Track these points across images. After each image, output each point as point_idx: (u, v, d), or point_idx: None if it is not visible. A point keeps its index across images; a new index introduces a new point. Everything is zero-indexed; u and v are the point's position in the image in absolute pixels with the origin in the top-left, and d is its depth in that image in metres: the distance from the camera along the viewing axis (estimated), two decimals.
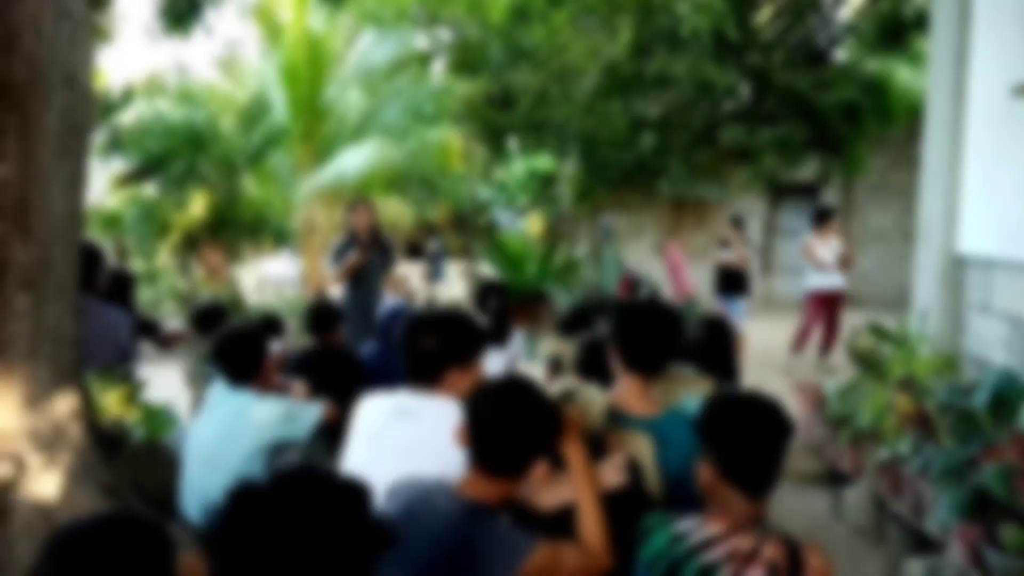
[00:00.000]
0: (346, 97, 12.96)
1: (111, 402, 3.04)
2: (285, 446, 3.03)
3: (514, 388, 1.92)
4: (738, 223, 9.09)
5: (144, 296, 10.41)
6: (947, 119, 4.75)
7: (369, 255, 5.87)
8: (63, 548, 1.47)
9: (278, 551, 1.06)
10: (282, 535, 1.07)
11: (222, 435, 3.02)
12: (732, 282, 8.89)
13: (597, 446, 2.17)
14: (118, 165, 10.72)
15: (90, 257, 3.54)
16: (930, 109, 4.97)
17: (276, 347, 3.87)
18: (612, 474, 2.07)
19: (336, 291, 7.01)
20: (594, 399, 2.26)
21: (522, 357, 4.47)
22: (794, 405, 5.23)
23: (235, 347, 3.12)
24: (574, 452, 2.00)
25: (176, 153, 9.60)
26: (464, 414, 1.90)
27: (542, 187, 13.83)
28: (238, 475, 1.21)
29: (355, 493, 1.18)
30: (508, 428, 1.85)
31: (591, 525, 1.95)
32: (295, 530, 1.07)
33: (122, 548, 1.46)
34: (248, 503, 1.11)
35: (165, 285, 10.79)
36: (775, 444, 1.89)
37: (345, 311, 5.35)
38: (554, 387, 2.27)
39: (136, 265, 10.71)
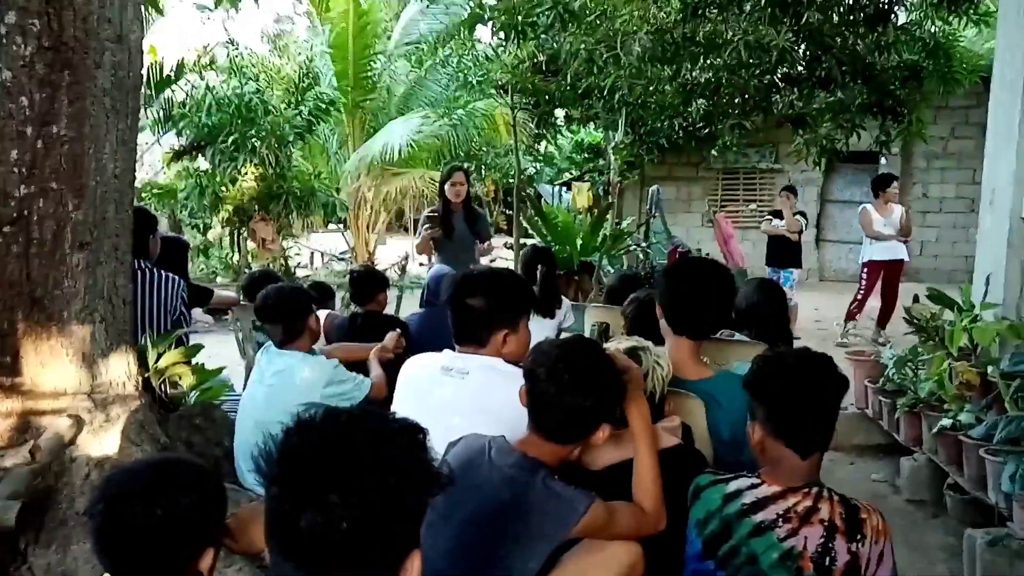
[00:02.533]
0: (393, 68, 13.01)
1: (166, 364, 3.05)
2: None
3: (575, 354, 1.84)
4: (792, 192, 8.86)
5: (198, 268, 10.78)
6: (1017, 80, 4.53)
7: (446, 228, 5.65)
8: (117, 484, 1.50)
9: (334, 486, 1.05)
10: (338, 470, 1.06)
11: (270, 396, 3.01)
12: (784, 253, 8.67)
13: (657, 408, 2.13)
14: (171, 140, 10.89)
15: (144, 222, 3.56)
16: (998, 69, 4.75)
17: (322, 315, 3.90)
18: (663, 437, 2.05)
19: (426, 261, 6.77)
20: (662, 360, 2.20)
21: (569, 327, 4.42)
22: (850, 376, 5.07)
23: (279, 306, 3.10)
24: (637, 415, 1.97)
25: (227, 127, 9.65)
26: (525, 378, 1.85)
27: (589, 158, 13.89)
28: None
29: (412, 431, 1.15)
30: (569, 399, 1.79)
31: (648, 485, 1.93)
32: (351, 465, 1.06)
33: (173, 486, 1.48)
34: (303, 438, 1.10)
35: (218, 258, 11.21)
36: (826, 400, 1.85)
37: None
38: (624, 343, 2.20)
39: (190, 238, 10.75)
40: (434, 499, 1.13)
